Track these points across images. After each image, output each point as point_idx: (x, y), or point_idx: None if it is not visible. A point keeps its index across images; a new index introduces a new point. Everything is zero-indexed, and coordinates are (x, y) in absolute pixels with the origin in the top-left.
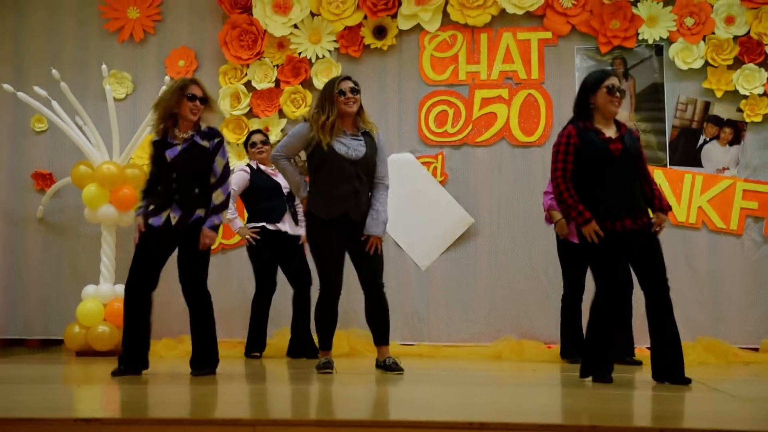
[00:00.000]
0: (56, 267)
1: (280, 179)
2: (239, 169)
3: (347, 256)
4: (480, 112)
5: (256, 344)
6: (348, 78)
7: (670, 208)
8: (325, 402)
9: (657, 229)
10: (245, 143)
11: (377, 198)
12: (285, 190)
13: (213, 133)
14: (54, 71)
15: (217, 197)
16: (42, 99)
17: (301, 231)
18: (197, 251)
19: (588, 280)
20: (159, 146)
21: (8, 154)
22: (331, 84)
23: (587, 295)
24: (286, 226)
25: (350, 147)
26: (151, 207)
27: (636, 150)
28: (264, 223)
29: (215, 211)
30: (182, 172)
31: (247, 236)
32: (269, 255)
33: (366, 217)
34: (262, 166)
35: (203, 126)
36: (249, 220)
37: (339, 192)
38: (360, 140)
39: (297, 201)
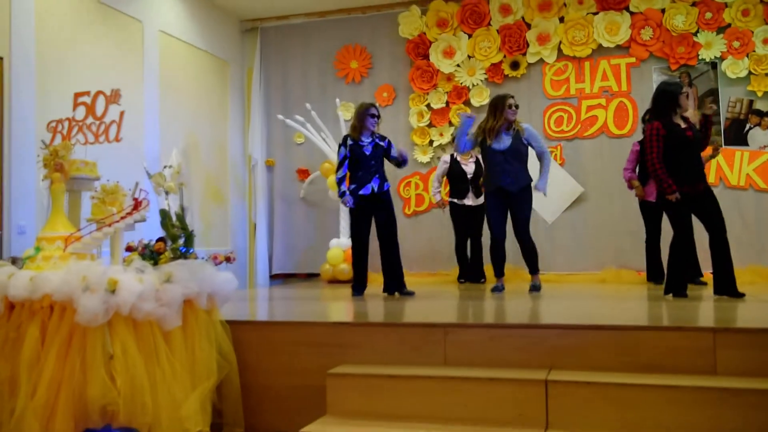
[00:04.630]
0: (313, 228)
1: (466, 168)
2: (443, 161)
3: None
4: (586, 115)
5: (463, 274)
6: (512, 96)
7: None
8: (496, 312)
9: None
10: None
11: (542, 165)
12: (469, 176)
13: (383, 137)
14: (307, 105)
15: (405, 160)
16: (300, 123)
17: (480, 201)
18: (390, 211)
19: (664, 225)
20: (356, 146)
21: (282, 158)
22: (503, 99)
23: (664, 236)
24: (469, 200)
25: (501, 142)
26: (354, 185)
27: (699, 136)
28: (455, 199)
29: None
30: (376, 159)
31: (440, 204)
32: (459, 218)
33: (519, 189)
34: (457, 157)
35: (377, 133)
36: (449, 195)
37: (494, 173)
38: (509, 136)
39: (479, 180)
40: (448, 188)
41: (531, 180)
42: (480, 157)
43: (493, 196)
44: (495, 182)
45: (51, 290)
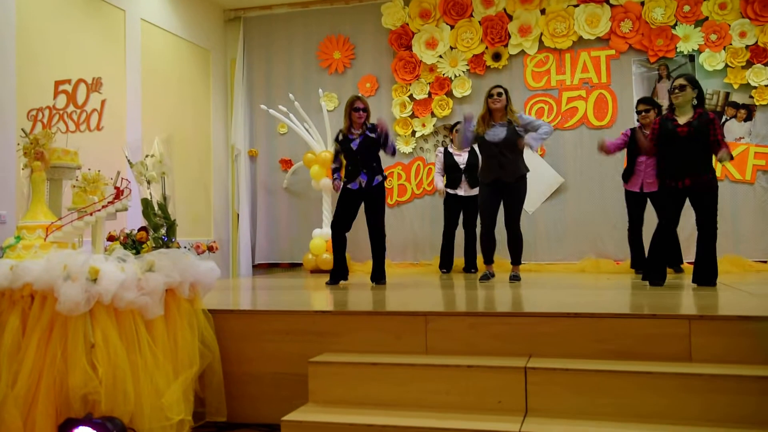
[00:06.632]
0: (296, 217)
1: (459, 158)
2: (438, 152)
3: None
4: (566, 106)
5: (445, 264)
6: (498, 86)
7: (723, 154)
8: (476, 300)
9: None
10: (451, 129)
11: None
12: (462, 166)
13: (374, 128)
14: (290, 95)
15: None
16: (283, 113)
17: (473, 192)
18: (378, 204)
19: (646, 215)
20: (345, 140)
21: (265, 148)
22: (490, 88)
23: (646, 225)
24: (461, 190)
25: (495, 133)
26: (346, 179)
27: (703, 131)
28: (448, 188)
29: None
30: (363, 154)
31: (440, 193)
32: (450, 207)
33: (515, 179)
34: (450, 149)
35: (368, 123)
36: (446, 185)
37: (490, 164)
38: (504, 127)
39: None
40: (444, 179)
41: (527, 170)
42: (476, 147)
43: (488, 186)
44: (491, 174)
45: (32, 279)
